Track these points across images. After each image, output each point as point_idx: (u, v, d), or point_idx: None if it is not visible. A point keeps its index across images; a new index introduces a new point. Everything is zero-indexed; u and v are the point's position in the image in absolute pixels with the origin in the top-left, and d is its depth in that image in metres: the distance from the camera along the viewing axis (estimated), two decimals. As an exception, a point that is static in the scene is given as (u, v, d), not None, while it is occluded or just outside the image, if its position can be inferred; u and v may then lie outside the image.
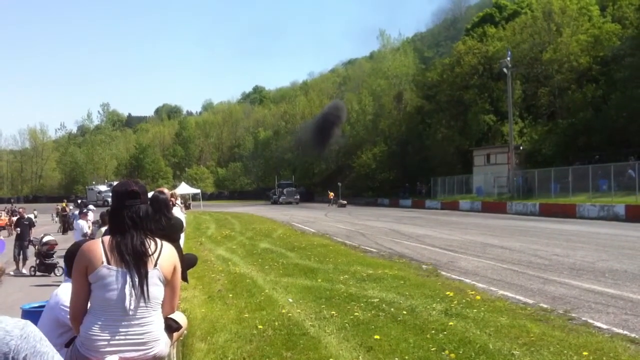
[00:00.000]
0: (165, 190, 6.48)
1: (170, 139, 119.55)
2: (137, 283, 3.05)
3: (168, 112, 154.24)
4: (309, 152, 78.23)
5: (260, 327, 6.84)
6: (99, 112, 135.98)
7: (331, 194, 62.46)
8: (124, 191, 3.22)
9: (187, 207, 46.48)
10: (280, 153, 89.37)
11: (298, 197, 70.87)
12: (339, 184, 64.98)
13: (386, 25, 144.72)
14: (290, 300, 8.58)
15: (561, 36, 47.78)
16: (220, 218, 36.77)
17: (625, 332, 6.31)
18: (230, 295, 9.28)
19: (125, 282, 3.04)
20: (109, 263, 3.06)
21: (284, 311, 7.71)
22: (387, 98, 70.40)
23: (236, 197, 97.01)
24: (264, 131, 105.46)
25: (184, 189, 59.90)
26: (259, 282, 10.49)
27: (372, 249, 16.09)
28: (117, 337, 3.01)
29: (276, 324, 7.01)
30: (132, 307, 3.03)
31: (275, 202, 70.86)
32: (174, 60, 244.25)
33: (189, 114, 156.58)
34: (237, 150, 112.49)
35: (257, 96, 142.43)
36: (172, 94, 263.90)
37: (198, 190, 68.01)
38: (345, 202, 57.93)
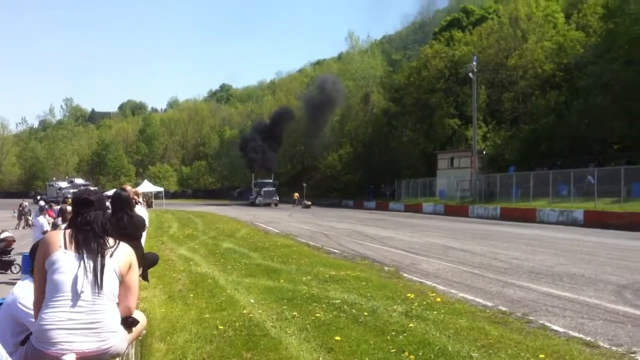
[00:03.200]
0: (128, 188, 6.40)
1: (133, 135, 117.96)
2: (91, 268, 3.14)
3: (132, 109, 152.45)
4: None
5: (221, 327, 6.80)
6: (61, 106, 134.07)
7: (296, 195, 62.43)
8: (79, 200, 3.44)
9: (149, 205, 45.90)
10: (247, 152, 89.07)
11: (277, 198, 64.23)
12: (304, 184, 64.98)
13: (355, 27, 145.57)
14: (252, 300, 8.55)
15: (526, 42, 48.66)
16: (183, 217, 36.43)
17: (580, 336, 6.44)
18: (191, 295, 9.20)
19: (79, 266, 3.13)
20: (66, 248, 3.18)
21: (245, 312, 7.68)
22: (354, 99, 70.74)
23: (200, 196, 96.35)
24: (230, 130, 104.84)
25: (146, 186, 59.19)
26: (221, 282, 10.42)
27: (335, 250, 16.13)
28: (69, 323, 3.02)
29: (237, 324, 6.97)
30: (83, 290, 3.08)
31: (252, 204, 63.67)
32: (139, 56, 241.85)
33: (154, 110, 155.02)
34: (202, 149, 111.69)
35: (224, 94, 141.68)
36: (137, 90, 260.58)
37: (161, 189, 67.17)
38: (309, 203, 57.96)
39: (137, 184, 63.48)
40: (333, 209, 52.16)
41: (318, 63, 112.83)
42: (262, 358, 5.62)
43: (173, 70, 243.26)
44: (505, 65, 49.85)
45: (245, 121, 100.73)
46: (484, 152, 48.08)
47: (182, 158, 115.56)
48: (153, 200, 59.66)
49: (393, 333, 6.38)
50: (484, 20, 57.58)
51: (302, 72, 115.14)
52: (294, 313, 7.50)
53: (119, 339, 3.18)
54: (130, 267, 3.37)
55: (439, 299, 8.38)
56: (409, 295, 8.62)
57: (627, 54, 38.00)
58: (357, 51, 76.33)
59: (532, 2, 50.80)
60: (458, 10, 68.68)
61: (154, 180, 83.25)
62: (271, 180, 68.76)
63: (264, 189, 64.57)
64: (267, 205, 61.46)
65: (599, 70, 39.82)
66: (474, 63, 43.42)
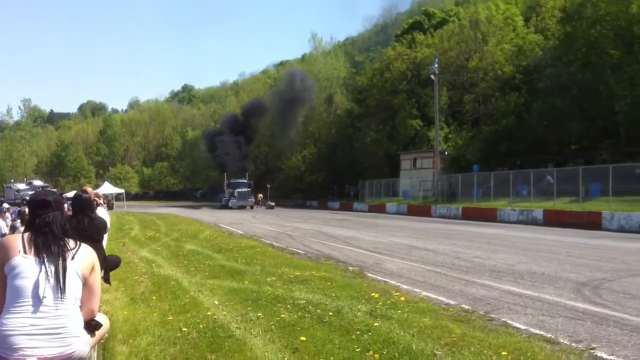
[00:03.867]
0: (89, 190, 6.27)
1: (94, 136, 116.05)
2: (52, 272, 3.07)
3: (92, 109, 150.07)
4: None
5: (184, 329, 6.72)
6: (19, 107, 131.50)
7: (260, 196, 62.21)
8: (36, 201, 3.37)
9: (110, 207, 45.19)
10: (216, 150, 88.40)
11: (253, 199, 59.12)
12: (268, 185, 64.80)
13: (318, 28, 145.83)
14: (216, 302, 8.47)
15: (487, 45, 49.42)
16: (145, 219, 35.98)
17: (542, 333, 6.54)
18: (154, 297, 9.07)
19: (40, 271, 3.05)
20: (25, 253, 3.10)
21: (209, 313, 7.60)
22: (317, 101, 70.88)
23: (162, 197, 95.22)
24: (193, 131, 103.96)
25: (107, 188, 58.29)
26: (184, 284, 10.30)
27: (299, 251, 16.12)
28: (31, 328, 2.95)
29: (201, 326, 6.90)
30: (45, 296, 3.01)
31: (225, 207, 58.76)
32: (99, 56, 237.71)
33: (114, 111, 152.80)
34: (164, 150, 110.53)
35: (185, 95, 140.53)
36: (96, 91, 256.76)
37: (122, 190, 66.29)
38: (273, 203, 57.88)
39: (97, 186, 62.52)
40: (297, 210, 52.15)
41: (281, 64, 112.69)
42: (226, 359, 5.57)
43: (134, 71, 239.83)
44: (466, 67, 50.57)
45: (207, 122, 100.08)
46: (446, 153, 48.77)
47: (143, 159, 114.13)
48: (114, 202, 58.75)
49: (358, 332, 6.39)
50: (445, 23, 58.38)
51: (265, 73, 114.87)
52: (259, 314, 7.46)
53: (82, 343, 3.12)
54: (92, 269, 3.30)
55: (402, 298, 8.43)
56: (373, 294, 8.65)
57: (584, 56, 38.90)
58: (320, 52, 76.59)
59: (492, 6, 51.75)
60: (420, 13, 69.64)
61: (115, 182, 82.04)
62: (245, 180, 63.10)
63: (237, 190, 58.82)
64: (242, 207, 56.43)
65: (557, 73, 40.70)
66: (436, 65, 43.97)
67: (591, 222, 25.87)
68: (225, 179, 64.12)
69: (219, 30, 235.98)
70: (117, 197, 62.89)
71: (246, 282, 10.18)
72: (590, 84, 38.61)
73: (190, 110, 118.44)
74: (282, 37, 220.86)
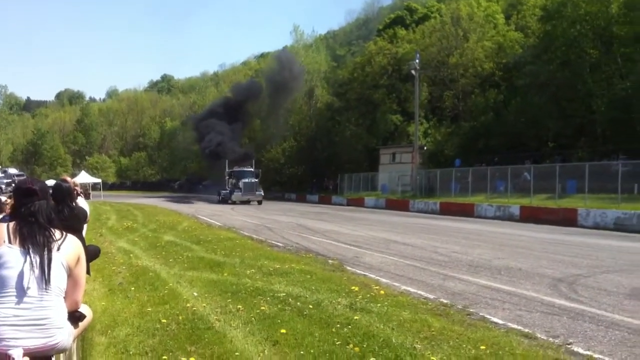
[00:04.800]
0: (69, 179, 6.21)
1: (71, 125, 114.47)
2: (37, 263, 3.04)
3: (69, 98, 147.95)
4: None
5: (163, 321, 6.68)
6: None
7: None
8: (21, 189, 3.32)
9: (86, 196, 44.77)
10: (188, 144, 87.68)
11: (261, 192, 48.28)
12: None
13: (300, 21, 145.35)
14: (195, 294, 8.44)
15: (467, 42, 49.70)
16: (122, 209, 35.68)
17: (519, 327, 6.62)
18: (132, 288, 9.01)
19: (25, 261, 3.02)
20: (10, 243, 3.07)
21: (188, 305, 7.57)
22: (298, 94, 70.70)
23: (139, 188, 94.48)
24: (171, 121, 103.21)
25: (84, 177, 57.67)
26: (163, 275, 10.25)
27: (279, 244, 16.12)
28: (14, 319, 2.93)
29: (180, 318, 6.87)
30: (30, 286, 2.98)
31: (224, 201, 49.18)
32: (77, 44, 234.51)
33: (92, 100, 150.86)
34: (142, 140, 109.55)
35: (165, 85, 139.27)
36: (74, 79, 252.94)
37: (99, 180, 65.57)
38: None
39: (74, 175, 61.70)
40: (276, 202, 52.04)
41: (262, 56, 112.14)
42: (206, 351, 5.55)
43: (112, 59, 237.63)
44: (446, 64, 50.81)
45: (187, 112, 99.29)
46: (425, 148, 49.02)
47: (120, 149, 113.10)
48: (91, 191, 58.16)
49: (338, 325, 6.40)
50: (427, 19, 58.59)
51: (246, 64, 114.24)
52: (239, 306, 7.44)
53: (66, 335, 3.10)
54: (78, 260, 3.27)
55: (382, 292, 8.48)
56: (353, 288, 8.68)
57: (564, 55, 39.31)
58: (301, 45, 76.25)
59: (473, 3, 51.97)
60: (402, 8, 69.69)
61: (92, 172, 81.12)
62: (252, 169, 51.93)
63: (243, 181, 47.70)
64: (246, 202, 46.71)
65: (537, 71, 41.06)
66: (417, 61, 44.16)
67: (567, 219, 26.18)
68: (227, 167, 52.61)
69: (199, 20, 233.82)
70: (94, 186, 62.26)
71: (225, 274, 10.15)
72: (569, 82, 39.05)
73: (170, 100, 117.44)
74: (263, 29, 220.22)
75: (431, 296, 8.57)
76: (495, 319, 7.07)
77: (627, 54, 37.20)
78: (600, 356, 5.49)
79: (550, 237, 19.63)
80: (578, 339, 6.16)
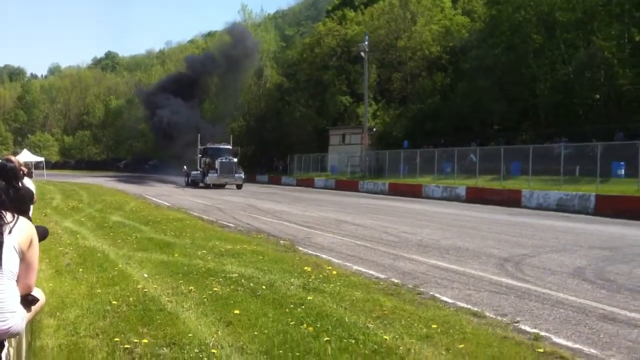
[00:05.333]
0: (13, 159, 5.99)
1: (11, 102, 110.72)
2: None
3: (10, 74, 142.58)
4: None
5: (114, 302, 6.56)
6: None
7: (185, 168, 60.83)
8: None
9: (29, 175, 43.41)
10: (133, 123, 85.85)
11: (242, 174, 41.26)
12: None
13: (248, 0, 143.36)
14: (146, 275, 8.31)
15: (415, 25, 50.11)
16: (67, 189, 34.77)
17: (468, 306, 6.78)
18: (80, 269, 8.80)
19: None
20: None
21: (139, 287, 7.45)
22: (247, 73, 70.00)
23: (83, 167, 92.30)
24: (116, 99, 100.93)
25: (26, 156, 55.83)
26: (111, 256, 10.05)
27: (229, 224, 16.03)
28: None
29: (131, 299, 6.75)
30: None
31: (194, 183, 42.80)
32: (17, 18, 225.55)
33: (34, 77, 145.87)
34: (86, 118, 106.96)
35: (109, 62, 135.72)
36: (14, 55, 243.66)
37: (41, 159, 63.67)
38: (201, 176, 56.81)
39: (15, 153, 59.68)
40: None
41: (210, 34, 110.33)
42: (159, 333, 5.48)
43: (54, 35, 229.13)
44: (395, 46, 51.23)
45: (132, 90, 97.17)
46: (374, 130, 49.42)
47: (64, 127, 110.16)
48: (33, 170, 56.39)
49: (291, 306, 6.43)
50: (376, 1, 58.61)
51: (193, 42, 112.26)
52: (191, 287, 7.37)
53: (19, 319, 3.03)
54: (30, 243, 3.18)
55: (334, 272, 8.53)
56: (305, 268, 8.71)
57: (508, 39, 40.16)
58: (250, 24, 75.37)
59: (421, -15, 52.32)
60: (351, -12, 69.38)
61: (34, 150, 78.69)
62: (230, 146, 44.30)
63: (220, 160, 40.41)
64: (221, 186, 40.47)
65: (482, 55, 41.80)
66: (366, 43, 44.30)
67: (511, 200, 26.88)
68: (198, 144, 44.72)
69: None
70: (37, 165, 60.33)
71: (176, 255, 10.03)
72: (513, 66, 39.96)
73: (114, 78, 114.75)
74: (211, 7, 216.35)
75: (382, 276, 8.68)
76: (445, 298, 7.22)
77: (570, 40, 38.26)
78: (547, 334, 5.67)
79: (495, 218, 20.14)
80: (525, 317, 6.35)
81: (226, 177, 40.33)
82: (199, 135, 45.09)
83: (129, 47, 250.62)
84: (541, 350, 5.05)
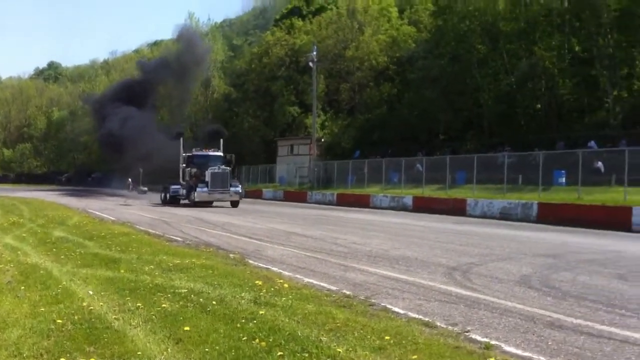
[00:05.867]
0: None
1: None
2: None
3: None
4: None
5: (58, 321, 6.34)
6: None
7: (129, 180, 59.45)
8: None
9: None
10: (76, 135, 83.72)
11: (239, 188, 33.67)
12: (141, 170, 62.31)
13: (195, 8, 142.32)
14: (91, 292, 8.07)
15: (363, 35, 50.67)
16: (6, 203, 33.58)
17: (420, 317, 6.81)
18: (22, 287, 8.50)
19: None
20: None
21: (84, 304, 7.23)
22: (194, 83, 69.27)
23: (23, 180, 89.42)
24: (59, 111, 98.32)
25: (-38, 170, 53.78)
26: (55, 273, 9.73)
27: (177, 238, 15.74)
28: None
29: (76, 317, 6.54)
30: None
31: (174, 200, 35.34)
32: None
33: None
34: (27, 130, 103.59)
35: (52, 73, 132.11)
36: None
37: (-21, 172, 61.41)
38: (146, 188, 55.67)
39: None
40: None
41: (156, 44, 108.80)
42: (106, 352, 5.33)
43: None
44: (343, 56, 51.69)
45: (75, 102, 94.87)
46: (322, 140, 49.62)
47: (3, 140, 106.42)
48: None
49: (243, 321, 6.34)
50: (324, 10, 59.17)
51: (138, 52, 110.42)
52: (138, 304, 7.20)
53: None
54: None
55: (286, 285, 8.47)
56: (256, 282, 8.62)
57: (454, 50, 41.05)
58: (197, 34, 74.79)
59: (368, -6, 53.00)
60: (299, -2, 69.66)
61: (-29, 164, 75.89)
62: (221, 153, 36.46)
63: (211, 170, 32.34)
64: (208, 204, 32.62)
65: (428, 65, 42.62)
66: (314, 53, 44.53)
67: (457, 209, 27.37)
68: (181, 150, 36.46)
69: (89, 5, 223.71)
70: (-26, 179, 58.27)
71: (122, 271, 9.78)
72: (458, 76, 40.86)
73: (57, 89, 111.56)
74: (156, 16, 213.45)
75: (334, 288, 8.66)
76: (396, 309, 7.24)
77: (512, 50, 39.38)
78: (497, 342, 5.74)
79: (442, 227, 20.46)
80: (475, 327, 6.42)
81: (219, 192, 32.35)
82: (181, 140, 37.04)
83: (73, 57, 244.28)
84: (492, 359, 5.11)
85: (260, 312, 6.70)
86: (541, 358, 5.33)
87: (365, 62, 50.27)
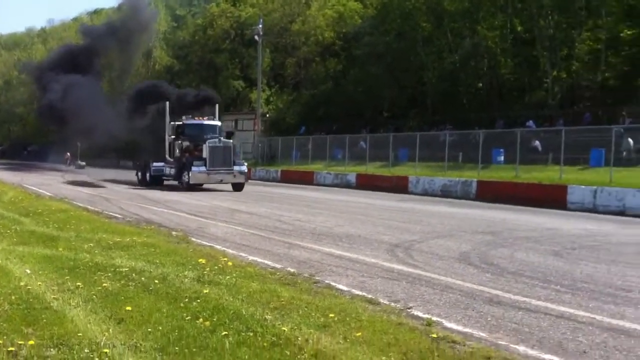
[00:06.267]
0: None
1: None
2: None
3: None
4: None
5: (-6, 302, 6.16)
6: None
7: (67, 155, 57.70)
8: None
9: None
10: (11, 106, 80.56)
11: (244, 166, 27.43)
12: (78, 143, 60.38)
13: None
14: (28, 271, 7.84)
15: (310, 9, 50.34)
16: None
17: (363, 294, 6.91)
18: (-46, 267, 8.20)
19: None
20: None
21: (21, 284, 7.01)
22: (138, 53, 67.37)
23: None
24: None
25: None
26: (-11, 251, 9.42)
27: (117, 215, 15.44)
28: None
29: (13, 297, 6.35)
30: None
31: (156, 180, 29.09)
32: None
33: None
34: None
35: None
36: None
37: None
38: (84, 163, 54.20)
39: None
40: (111, 170, 49.58)
41: (96, 12, 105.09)
42: (45, 333, 5.19)
43: None
44: (289, 30, 51.26)
45: (10, 71, 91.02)
46: (267, 115, 49.29)
47: None
48: None
49: (186, 300, 6.28)
50: (271, -18, 58.29)
51: (77, 20, 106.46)
52: (78, 283, 7.03)
53: None
54: None
55: (230, 263, 8.43)
56: (200, 260, 8.54)
57: (399, 27, 41.33)
58: (142, -1, 72.61)
59: (316, -32, 52.54)
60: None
61: None
62: (218, 122, 29.80)
63: (209, 144, 26.10)
64: (199, 186, 27.27)
65: (374, 41, 42.74)
66: (260, 26, 43.96)
67: (399, 186, 27.73)
68: (167, 118, 28.13)
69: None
70: None
71: (60, 249, 9.53)
72: (403, 54, 41.16)
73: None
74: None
75: (278, 265, 8.69)
76: (340, 286, 7.32)
77: (457, 29, 39.89)
78: (438, 319, 5.89)
79: (384, 204, 20.75)
80: (417, 303, 6.57)
81: (221, 172, 26.05)
82: (167, 104, 28.44)
83: (7, 24, 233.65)
84: (434, 335, 5.23)
85: (204, 291, 6.65)
86: (481, 334, 5.49)
87: (312, 37, 50.01)
